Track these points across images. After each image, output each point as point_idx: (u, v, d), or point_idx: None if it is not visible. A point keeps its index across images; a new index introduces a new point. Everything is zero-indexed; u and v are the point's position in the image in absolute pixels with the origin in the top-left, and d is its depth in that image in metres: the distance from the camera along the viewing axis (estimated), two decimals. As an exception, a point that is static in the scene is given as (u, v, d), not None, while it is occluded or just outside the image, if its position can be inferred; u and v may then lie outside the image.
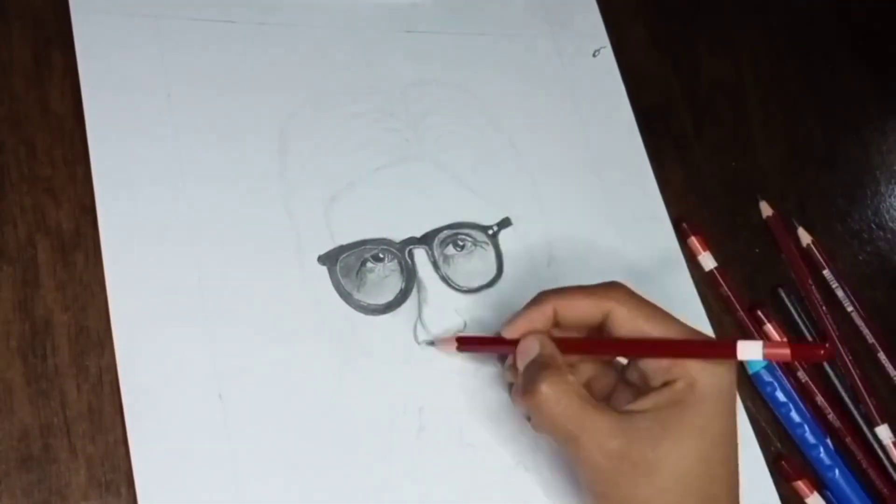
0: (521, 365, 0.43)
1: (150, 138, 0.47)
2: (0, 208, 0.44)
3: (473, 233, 0.52)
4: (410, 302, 0.49)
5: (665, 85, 0.64)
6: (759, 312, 0.58)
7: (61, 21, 0.48)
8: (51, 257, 0.44)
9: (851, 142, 0.70)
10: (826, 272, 0.62)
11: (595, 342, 0.45)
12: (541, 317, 0.44)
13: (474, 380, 0.48)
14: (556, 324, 0.44)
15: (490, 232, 0.52)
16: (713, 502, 0.41)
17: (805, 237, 0.63)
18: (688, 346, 0.42)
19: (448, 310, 0.49)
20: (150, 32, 0.49)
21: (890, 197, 0.69)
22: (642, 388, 0.42)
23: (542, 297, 0.45)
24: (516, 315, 0.45)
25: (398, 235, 0.50)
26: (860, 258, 0.66)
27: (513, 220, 0.53)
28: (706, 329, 0.56)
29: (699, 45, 0.67)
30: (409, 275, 0.49)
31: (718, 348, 0.42)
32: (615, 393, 0.44)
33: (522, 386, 0.43)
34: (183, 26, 0.50)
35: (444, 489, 0.45)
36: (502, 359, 0.48)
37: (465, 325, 0.49)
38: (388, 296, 0.48)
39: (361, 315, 0.47)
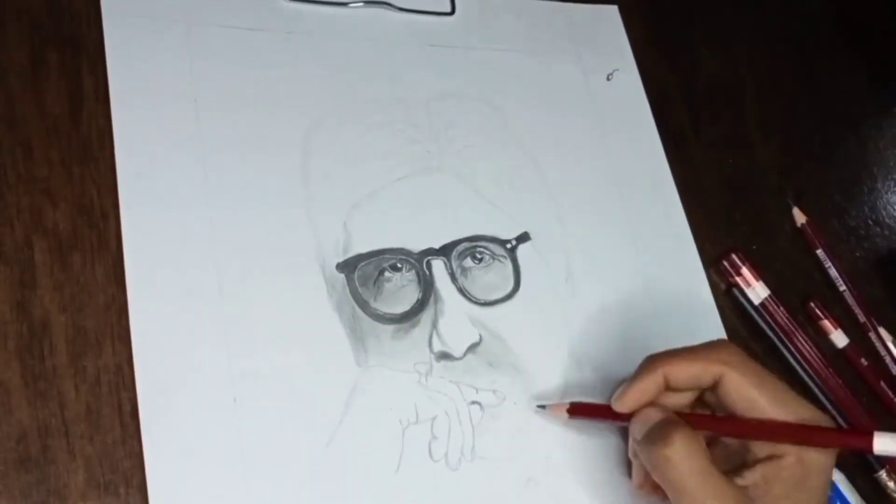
0: (639, 433, 0.43)
1: (175, 142, 0.47)
2: (-3, 209, 0.44)
3: (492, 246, 0.52)
4: (427, 312, 0.49)
5: (662, 83, 0.64)
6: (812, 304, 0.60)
7: (57, 21, 0.48)
8: (48, 258, 0.44)
9: (848, 138, 0.70)
10: (819, 252, 0.63)
11: (718, 421, 0.44)
12: (652, 385, 0.44)
13: (487, 392, 0.48)
14: (667, 387, 0.44)
15: (508, 246, 0.52)
16: None
17: (800, 217, 0.63)
18: (815, 434, 0.41)
19: (464, 322, 0.49)
20: (179, 38, 0.50)
21: (887, 193, 0.69)
22: (742, 454, 0.43)
23: (651, 364, 0.44)
24: (627, 387, 0.44)
25: (417, 246, 0.50)
26: (857, 254, 0.66)
27: (532, 235, 0.53)
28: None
29: (696, 42, 0.67)
30: (427, 285, 0.49)
31: (849, 437, 0.41)
32: (711, 452, 0.44)
33: (652, 441, 0.42)
34: (212, 33, 0.51)
35: (455, 501, 0.45)
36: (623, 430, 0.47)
37: (481, 338, 0.49)
38: (404, 305, 0.49)
39: (378, 324, 0.48)
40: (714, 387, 0.43)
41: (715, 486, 0.40)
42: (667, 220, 0.58)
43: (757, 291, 0.58)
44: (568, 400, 0.48)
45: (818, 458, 0.41)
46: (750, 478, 0.41)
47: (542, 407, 0.48)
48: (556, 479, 0.48)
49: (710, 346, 0.44)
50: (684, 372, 0.43)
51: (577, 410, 0.47)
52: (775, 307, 0.58)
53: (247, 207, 0.47)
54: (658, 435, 0.42)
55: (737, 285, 0.59)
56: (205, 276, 0.45)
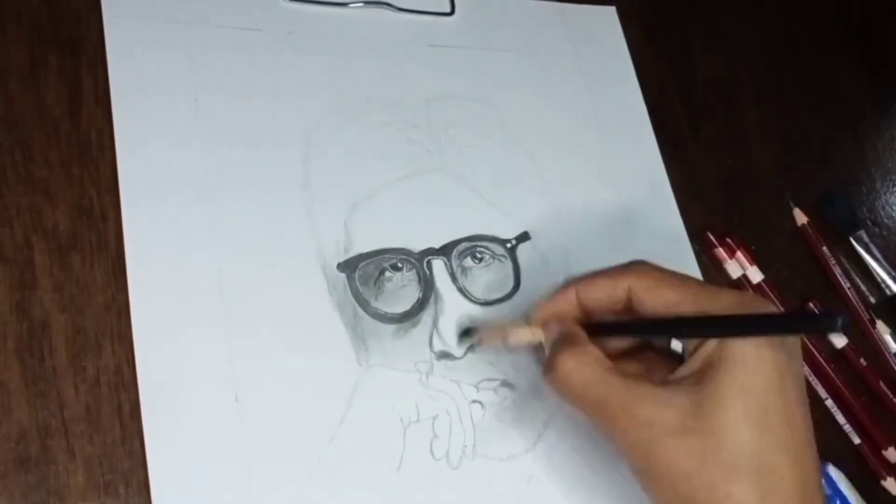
0: (547, 350, 0.43)
1: (176, 142, 0.47)
2: (-4, 209, 0.44)
3: (492, 246, 0.52)
4: (427, 312, 0.49)
5: (660, 83, 0.64)
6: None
7: (57, 22, 0.48)
8: (48, 259, 0.44)
9: (846, 138, 0.70)
10: (825, 249, 0.63)
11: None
12: (565, 302, 0.43)
13: (488, 391, 0.48)
14: (585, 311, 0.44)
15: (508, 245, 0.52)
16: (772, 475, 0.35)
17: (801, 217, 0.64)
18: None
19: (464, 321, 0.49)
20: (180, 38, 0.50)
21: (885, 194, 0.69)
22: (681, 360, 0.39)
23: (565, 284, 0.44)
24: (541, 301, 0.45)
25: (417, 246, 0.50)
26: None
27: (531, 235, 0.53)
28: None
29: (694, 43, 0.67)
30: (427, 285, 0.49)
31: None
32: (654, 369, 0.42)
33: (545, 366, 0.42)
34: (212, 33, 0.51)
35: (456, 500, 0.45)
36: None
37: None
38: (405, 305, 0.49)
39: (379, 323, 0.48)
40: (630, 304, 0.42)
41: (617, 387, 0.38)
42: (663, 219, 0.58)
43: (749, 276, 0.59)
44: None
45: (748, 345, 0.36)
46: (677, 373, 0.38)
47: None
48: (558, 478, 0.48)
49: (624, 265, 0.43)
50: (595, 287, 0.43)
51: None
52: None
53: (247, 207, 0.47)
54: (549, 360, 0.41)
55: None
56: (206, 276, 0.45)
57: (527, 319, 0.46)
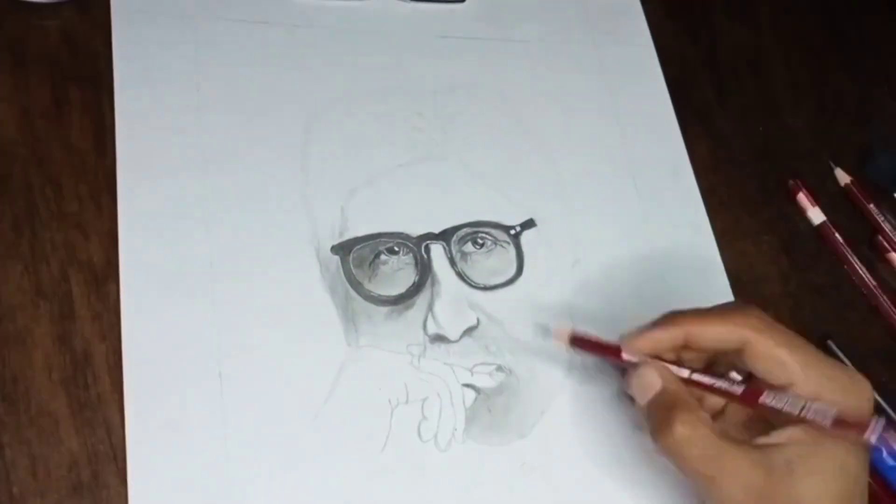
0: (641, 400, 0.42)
1: (175, 128, 0.49)
2: (32, 247, 0.45)
3: (494, 232, 0.52)
4: (423, 295, 0.49)
5: (682, 56, 0.63)
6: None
7: (76, 60, 0.50)
8: (84, 290, 0.45)
9: (883, 95, 0.68)
10: (871, 206, 0.61)
11: (724, 392, 0.42)
12: (669, 339, 0.42)
13: (483, 375, 0.48)
14: (684, 346, 0.42)
15: (512, 232, 0.52)
16: None
17: (843, 177, 0.62)
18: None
19: (461, 305, 0.49)
20: (185, 30, 0.51)
21: (929, 146, 0.67)
22: (778, 417, 0.41)
23: (673, 318, 0.42)
24: (641, 331, 0.42)
25: (415, 230, 0.50)
26: (902, 212, 0.64)
27: (538, 222, 0.53)
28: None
29: (714, 11, 0.66)
30: (424, 269, 0.49)
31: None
32: (751, 420, 0.43)
33: (653, 427, 0.41)
34: (218, 26, 0.52)
35: (445, 483, 0.45)
36: (622, 371, 0.45)
37: (479, 321, 0.49)
38: (399, 288, 0.49)
39: (371, 305, 0.48)
40: (739, 351, 0.41)
41: (732, 464, 0.39)
42: (683, 207, 0.57)
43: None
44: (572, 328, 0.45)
45: (851, 418, 0.39)
46: (778, 437, 0.40)
47: (544, 329, 0.47)
48: (552, 464, 0.47)
49: (738, 309, 0.42)
50: (710, 332, 0.41)
51: (579, 342, 0.44)
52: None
53: (243, 189, 0.48)
54: (659, 421, 0.40)
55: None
56: (197, 254, 0.46)
57: (624, 340, 0.43)
